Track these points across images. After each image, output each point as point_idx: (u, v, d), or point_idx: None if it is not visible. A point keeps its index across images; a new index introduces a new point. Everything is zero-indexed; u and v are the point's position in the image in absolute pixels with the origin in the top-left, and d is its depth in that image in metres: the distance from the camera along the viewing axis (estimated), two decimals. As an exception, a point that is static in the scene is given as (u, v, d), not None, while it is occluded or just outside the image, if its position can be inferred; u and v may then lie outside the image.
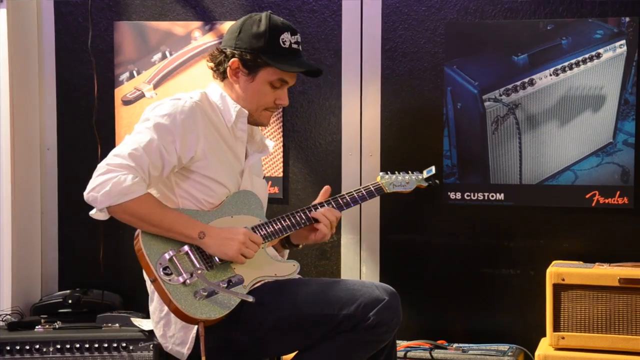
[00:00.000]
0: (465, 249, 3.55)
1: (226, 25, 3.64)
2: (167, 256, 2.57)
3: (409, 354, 3.28)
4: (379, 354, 2.66)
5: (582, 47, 3.39)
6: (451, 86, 3.51)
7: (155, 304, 2.72)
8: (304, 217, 2.76)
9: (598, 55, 3.38)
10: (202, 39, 3.73)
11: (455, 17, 3.52)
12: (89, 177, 2.55)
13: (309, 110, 3.67)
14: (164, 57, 3.77)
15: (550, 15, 3.42)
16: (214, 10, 3.73)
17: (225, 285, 2.57)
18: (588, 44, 3.39)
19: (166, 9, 3.77)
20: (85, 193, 2.54)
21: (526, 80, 3.44)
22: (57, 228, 3.88)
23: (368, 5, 3.58)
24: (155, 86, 3.79)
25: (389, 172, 2.99)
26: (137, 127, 2.64)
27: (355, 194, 2.85)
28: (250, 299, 2.55)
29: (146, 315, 3.16)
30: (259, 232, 2.69)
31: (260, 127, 2.91)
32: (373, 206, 3.57)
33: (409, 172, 3.03)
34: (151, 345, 3.30)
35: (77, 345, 3.30)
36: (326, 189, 2.86)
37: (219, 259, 2.60)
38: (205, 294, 2.52)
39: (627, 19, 3.34)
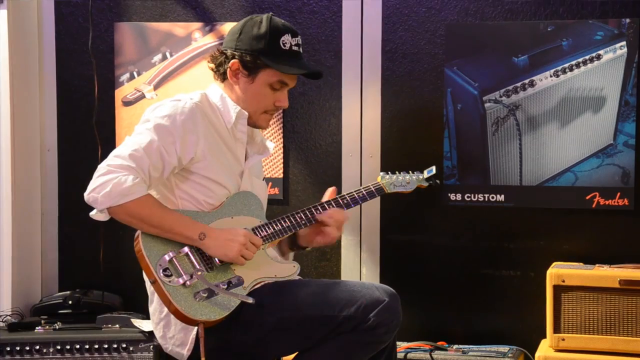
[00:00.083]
0: (466, 250, 3.55)
1: (226, 27, 3.64)
2: (167, 257, 2.57)
3: (409, 355, 3.27)
4: (379, 355, 2.66)
5: (582, 48, 3.39)
6: (451, 87, 3.51)
7: (155, 305, 2.72)
8: (304, 217, 2.76)
9: (598, 57, 3.38)
10: (202, 40, 3.73)
11: (455, 19, 3.52)
12: (89, 177, 2.55)
13: (309, 111, 3.67)
14: (164, 58, 3.77)
15: (550, 16, 3.42)
16: (214, 12, 3.73)
17: (225, 286, 2.57)
18: (588, 45, 3.38)
19: (166, 10, 3.77)
20: (85, 194, 2.54)
21: (526, 81, 3.44)
22: (57, 229, 3.88)
23: (368, 7, 3.58)
24: (156, 87, 3.79)
25: (389, 173, 2.98)
26: (137, 128, 2.64)
27: (355, 195, 2.84)
28: (250, 300, 2.55)
29: (146, 316, 3.16)
30: (259, 234, 2.69)
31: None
32: (373, 207, 3.57)
33: (410, 172, 3.03)
34: (151, 347, 3.30)
35: (77, 346, 3.30)
36: (333, 189, 2.86)
37: (218, 260, 2.60)
38: (205, 295, 2.52)
39: (628, 20, 3.34)
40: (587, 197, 3.41)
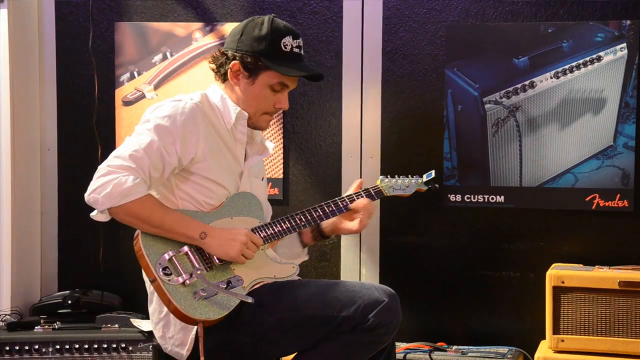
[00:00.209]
0: (465, 251, 3.55)
1: (227, 27, 3.64)
2: (166, 256, 2.57)
3: (409, 356, 3.27)
4: (378, 355, 2.66)
5: (582, 50, 3.39)
6: (452, 88, 3.51)
7: (154, 304, 2.72)
8: (303, 219, 2.77)
9: (599, 58, 3.38)
10: (202, 40, 3.73)
11: (456, 20, 3.52)
12: (89, 177, 2.55)
13: (309, 112, 3.67)
14: (164, 58, 3.77)
15: (551, 18, 3.42)
16: (214, 12, 3.73)
17: (225, 286, 2.57)
18: (589, 46, 3.39)
19: (167, 10, 3.77)
20: (86, 195, 2.54)
21: (527, 82, 3.44)
22: (57, 228, 3.88)
23: (369, 7, 3.58)
24: (156, 87, 3.79)
25: (388, 176, 3.00)
26: (137, 129, 2.64)
27: (355, 197, 2.85)
28: (250, 300, 2.55)
29: (146, 316, 3.16)
30: (259, 234, 2.69)
31: (260, 129, 2.91)
32: (373, 208, 3.57)
33: (409, 176, 3.04)
34: (150, 346, 3.30)
35: (77, 346, 3.30)
36: (360, 182, 2.93)
37: (218, 259, 2.60)
38: (205, 294, 2.53)
39: (628, 22, 3.34)
40: (587, 199, 3.41)
